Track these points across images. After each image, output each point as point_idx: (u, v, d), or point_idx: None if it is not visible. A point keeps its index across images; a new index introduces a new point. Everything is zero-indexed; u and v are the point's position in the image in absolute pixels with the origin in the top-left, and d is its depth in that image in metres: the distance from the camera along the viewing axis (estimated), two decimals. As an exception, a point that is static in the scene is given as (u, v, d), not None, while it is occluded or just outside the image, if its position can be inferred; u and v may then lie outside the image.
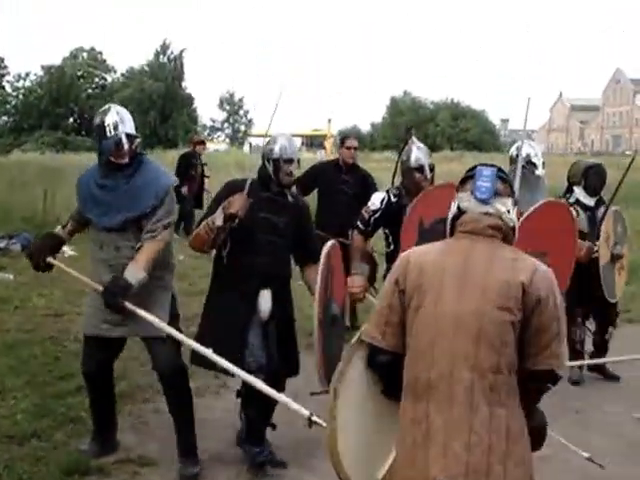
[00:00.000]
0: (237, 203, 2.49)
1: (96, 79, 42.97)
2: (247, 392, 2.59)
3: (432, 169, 3.11)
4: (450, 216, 1.73)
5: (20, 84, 41.68)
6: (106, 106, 2.73)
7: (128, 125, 2.63)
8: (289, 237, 2.67)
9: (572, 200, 3.87)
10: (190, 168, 8.71)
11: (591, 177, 3.86)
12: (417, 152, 3.10)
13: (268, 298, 2.60)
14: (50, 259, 2.75)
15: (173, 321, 2.68)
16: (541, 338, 1.55)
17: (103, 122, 2.59)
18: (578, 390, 3.81)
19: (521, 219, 2.97)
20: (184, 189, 8.41)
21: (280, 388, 2.59)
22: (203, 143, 9.45)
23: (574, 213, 3.61)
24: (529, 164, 3.40)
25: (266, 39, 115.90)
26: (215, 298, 2.70)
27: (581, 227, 3.76)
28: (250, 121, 50.17)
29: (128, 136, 2.59)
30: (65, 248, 7.96)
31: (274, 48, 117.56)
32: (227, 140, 48.92)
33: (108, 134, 2.57)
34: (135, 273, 2.48)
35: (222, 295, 2.64)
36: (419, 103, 48.41)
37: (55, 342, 4.34)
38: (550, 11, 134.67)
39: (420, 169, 3.05)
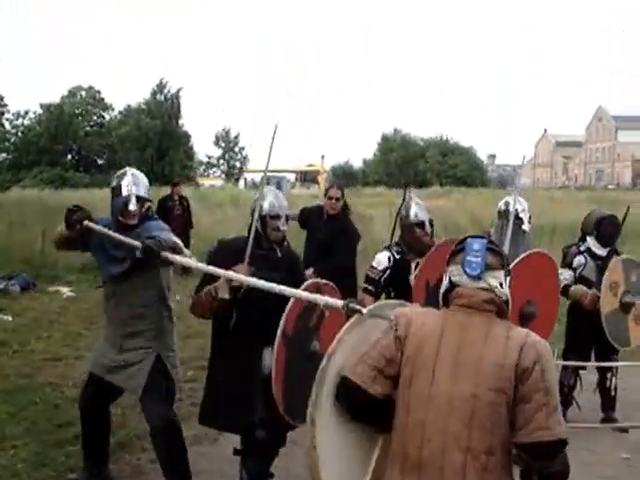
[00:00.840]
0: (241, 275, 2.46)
1: (94, 117, 43.71)
2: (246, 448, 2.62)
3: (431, 224, 3.18)
4: (442, 290, 1.70)
5: (19, 122, 42.22)
6: (123, 169, 2.83)
7: (142, 188, 2.73)
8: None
9: (583, 248, 3.91)
10: (167, 211, 8.95)
11: (604, 228, 3.89)
12: (416, 208, 3.18)
13: (270, 355, 2.56)
14: (87, 222, 2.75)
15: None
16: (525, 409, 1.50)
17: (119, 184, 2.72)
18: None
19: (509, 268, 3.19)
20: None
21: (282, 441, 2.66)
22: (178, 184, 9.83)
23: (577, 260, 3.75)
24: (516, 218, 3.50)
25: (260, 76, 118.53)
26: (218, 359, 2.68)
27: (588, 275, 3.84)
28: (245, 157, 50.86)
29: (139, 199, 2.69)
30: (64, 289, 8.17)
31: (269, 86, 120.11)
32: (223, 176, 49.50)
33: (121, 195, 2.70)
34: (166, 235, 2.62)
35: (225, 356, 2.63)
36: (409, 140, 49.40)
37: (54, 388, 4.39)
38: (531, 53, 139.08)
39: (420, 225, 3.13)
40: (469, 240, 1.68)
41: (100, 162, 43.00)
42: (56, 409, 4.01)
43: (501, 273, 1.66)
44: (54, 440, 3.52)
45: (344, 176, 48.63)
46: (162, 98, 40.45)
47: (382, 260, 3.13)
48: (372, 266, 3.17)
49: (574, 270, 3.88)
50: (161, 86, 40.70)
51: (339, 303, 1.85)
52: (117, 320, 2.76)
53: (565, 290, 3.79)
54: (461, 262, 1.66)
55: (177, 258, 2.54)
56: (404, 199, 3.31)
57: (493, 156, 65.68)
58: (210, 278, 2.56)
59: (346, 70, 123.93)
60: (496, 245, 1.71)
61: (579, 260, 3.89)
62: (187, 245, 8.66)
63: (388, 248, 3.22)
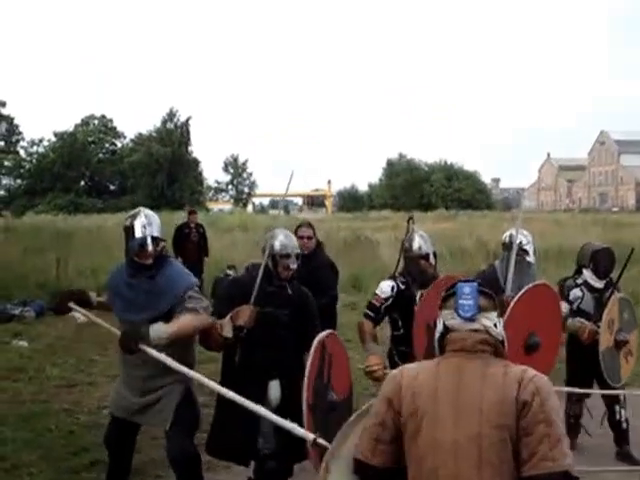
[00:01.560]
0: (245, 316, 2.53)
1: (107, 144, 44.69)
2: (257, 477, 2.69)
3: (435, 256, 3.19)
4: (437, 335, 1.72)
5: (34, 149, 43.29)
6: (136, 210, 2.83)
7: (155, 228, 2.72)
8: (293, 329, 2.71)
9: (580, 281, 3.90)
10: (183, 239, 9.08)
11: (599, 260, 3.87)
12: (420, 240, 3.19)
13: (277, 388, 2.66)
14: (72, 304, 2.83)
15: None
16: (528, 442, 1.51)
17: (132, 224, 2.71)
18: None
19: (511, 304, 3.15)
20: (178, 260, 8.80)
21: (289, 473, 2.73)
22: (195, 213, 9.88)
23: (577, 292, 3.78)
24: (521, 251, 3.51)
25: (266, 106, 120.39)
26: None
27: (586, 308, 3.85)
28: (253, 182, 51.68)
29: (154, 239, 2.69)
30: (78, 314, 8.27)
31: (276, 114, 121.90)
32: (231, 200, 50.07)
33: (135, 235, 2.69)
34: (159, 329, 2.46)
35: (233, 388, 2.64)
36: (414, 165, 49.81)
37: (69, 414, 4.46)
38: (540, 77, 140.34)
39: (425, 257, 3.14)
40: (460, 284, 1.70)
41: (112, 188, 43.79)
42: (71, 435, 4.05)
43: (494, 314, 1.68)
44: (69, 467, 3.58)
45: (350, 200, 49.01)
46: (172, 126, 41.38)
47: (385, 289, 3.15)
48: (376, 293, 3.20)
49: (571, 303, 3.89)
50: (171, 114, 41.74)
51: (310, 437, 1.93)
52: (136, 362, 2.68)
53: (562, 323, 3.72)
54: (453, 306, 1.68)
55: (153, 352, 2.45)
56: (408, 231, 3.32)
57: (497, 180, 66.04)
58: (220, 312, 2.61)
59: (353, 96, 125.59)
60: (487, 289, 1.72)
61: (575, 293, 3.90)
62: (201, 272, 8.83)
63: (393, 278, 3.23)
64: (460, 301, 1.66)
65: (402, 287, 3.13)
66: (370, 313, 3.16)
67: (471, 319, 1.65)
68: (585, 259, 3.95)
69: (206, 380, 2.41)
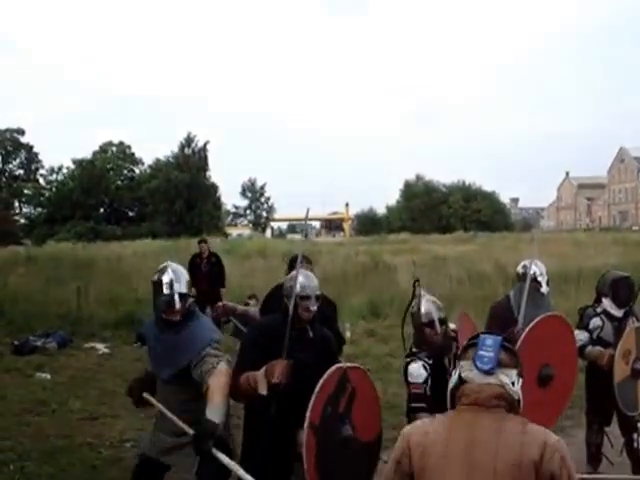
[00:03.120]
0: (279, 371, 2.45)
1: (125, 171, 45.58)
2: None
3: (443, 322, 2.94)
4: (450, 386, 1.64)
5: (53, 177, 44.37)
6: (163, 264, 2.81)
7: (183, 284, 2.71)
8: (318, 373, 2.58)
9: (599, 310, 3.90)
10: (195, 270, 8.83)
11: (619, 289, 3.88)
12: (427, 305, 2.97)
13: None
14: (146, 395, 2.82)
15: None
16: None
17: (160, 280, 2.70)
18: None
19: (524, 333, 3.20)
20: (192, 291, 8.72)
21: None
22: (204, 241, 9.57)
23: (593, 324, 3.74)
24: (534, 281, 3.50)
25: (282, 129, 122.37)
26: (254, 440, 2.67)
27: (606, 337, 3.82)
28: (271, 207, 52.08)
29: (181, 296, 2.68)
30: (99, 345, 8.41)
31: (291, 136, 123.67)
32: (250, 225, 50.47)
33: (163, 292, 2.68)
34: (216, 412, 2.38)
35: (261, 438, 2.62)
36: (432, 186, 49.79)
37: (92, 449, 4.50)
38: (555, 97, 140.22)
39: (430, 324, 2.92)
40: (482, 336, 1.63)
41: (131, 214, 44.49)
42: (94, 470, 4.07)
43: (514, 372, 1.59)
44: (93, 502, 3.63)
45: (369, 223, 48.93)
46: (190, 152, 42.08)
47: (420, 372, 2.88)
48: (411, 382, 2.88)
49: (590, 332, 3.88)
50: (189, 140, 42.48)
51: None
52: (167, 407, 2.70)
53: (581, 351, 3.80)
54: (472, 356, 1.60)
55: (224, 459, 2.33)
56: (414, 295, 3.05)
57: (516, 199, 65.81)
58: (243, 359, 2.57)
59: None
60: (510, 344, 1.64)
61: (595, 322, 3.89)
62: (216, 300, 8.63)
63: (415, 358, 2.93)
64: (480, 352, 1.59)
65: (430, 362, 2.88)
66: (419, 405, 2.82)
67: (489, 372, 1.57)
68: (605, 288, 3.95)
69: (227, 459, 2.33)
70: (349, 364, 2.58)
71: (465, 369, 1.61)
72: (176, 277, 2.72)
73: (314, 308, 2.68)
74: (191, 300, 2.75)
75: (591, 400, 4.02)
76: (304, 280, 2.70)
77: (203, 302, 8.58)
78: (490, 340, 1.60)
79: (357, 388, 2.47)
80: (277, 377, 2.44)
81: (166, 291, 2.68)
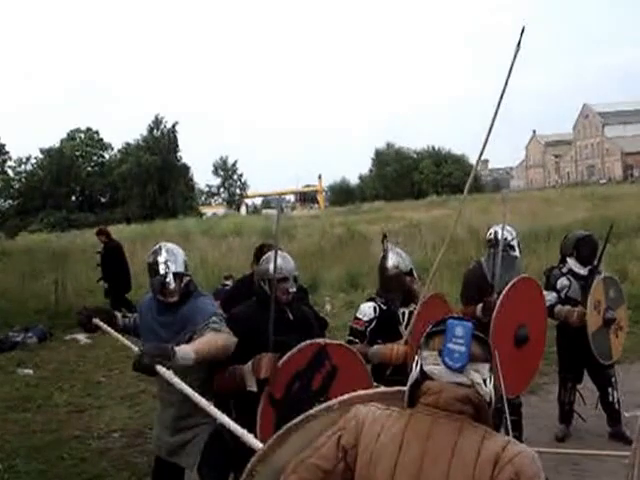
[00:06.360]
0: (266, 367, 2.35)
1: (94, 157, 44.50)
2: None
3: (410, 273, 3.05)
4: (410, 381, 1.38)
5: (22, 168, 43.04)
6: (157, 245, 2.69)
7: (179, 263, 2.60)
8: None
9: (565, 270, 3.99)
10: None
11: (582, 248, 3.96)
12: (397, 258, 3.08)
13: None
14: (97, 320, 2.67)
15: None
16: None
17: (155, 261, 2.60)
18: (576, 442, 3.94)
19: (500, 297, 3.31)
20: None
21: None
22: (102, 233, 9.02)
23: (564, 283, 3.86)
24: (507, 247, 3.55)
25: (251, 105, 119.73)
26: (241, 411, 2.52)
27: (574, 296, 3.94)
28: (244, 183, 51.64)
29: (176, 275, 2.56)
30: (80, 336, 8.33)
31: (261, 112, 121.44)
32: (224, 203, 50.04)
33: (159, 272, 2.57)
34: (184, 349, 2.21)
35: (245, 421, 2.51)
36: (402, 154, 49.86)
37: (80, 441, 4.50)
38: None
39: (409, 273, 3.03)
40: (451, 322, 1.36)
41: (103, 200, 43.61)
42: (84, 463, 4.07)
43: (486, 367, 1.35)
44: (85, 495, 3.66)
45: (342, 193, 48.99)
46: (159, 133, 41.24)
47: (367, 311, 2.99)
48: (357, 317, 3.00)
49: (558, 292, 3.99)
50: (157, 122, 41.57)
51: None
52: (169, 402, 2.60)
53: (551, 311, 3.91)
54: (439, 348, 1.35)
55: (170, 375, 2.10)
56: (384, 250, 3.13)
57: (486, 161, 66.44)
58: (235, 349, 2.42)
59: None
60: (481, 334, 1.39)
61: (562, 282, 3.99)
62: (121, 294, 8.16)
63: (373, 299, 3.07)
64: (449, 345, 1.33)
65: (384, 307, 2.98)
66: (354, 339, 2.95)
67: (459, 370, 1.33)
68: (569, 248, 4.06)
69: (219, 414, 2.04)
70: (328, 340, 2.49)
71: (429, 362, 1.36)
72: (169, 257, 2.60)
73: (293, 289, 2.62)
74: (187, 279, 2.61)
75: (562, 358, 4.15)
76: (281, 262, 2.60)
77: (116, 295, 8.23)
78: (461, 329, 1.34)
79: (340, 367, 2.39)
80: (265, 372, 2.35)
81: (160, 272, 2.57)
